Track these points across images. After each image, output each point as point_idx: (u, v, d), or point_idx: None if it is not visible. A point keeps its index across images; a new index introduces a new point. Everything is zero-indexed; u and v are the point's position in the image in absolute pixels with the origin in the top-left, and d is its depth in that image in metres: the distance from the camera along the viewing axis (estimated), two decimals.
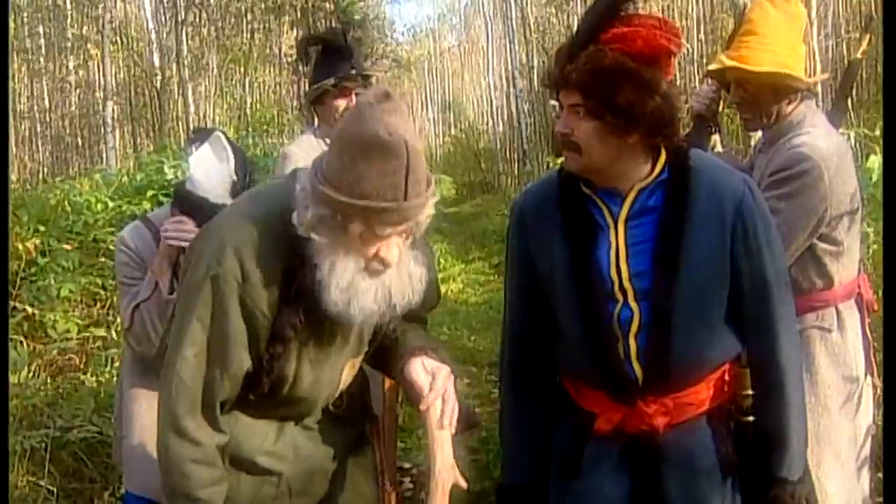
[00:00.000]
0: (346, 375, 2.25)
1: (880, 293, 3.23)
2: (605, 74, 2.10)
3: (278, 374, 2.06)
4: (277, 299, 1.99)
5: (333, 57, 3.89)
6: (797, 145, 2.75)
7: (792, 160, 2.73)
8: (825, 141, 2.76)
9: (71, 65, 19.61)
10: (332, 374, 2.19)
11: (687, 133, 3.18)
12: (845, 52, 12.44)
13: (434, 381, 2.12)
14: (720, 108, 3.10)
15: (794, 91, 2.83)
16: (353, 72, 3.87)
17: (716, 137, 3.12)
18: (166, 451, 2.01)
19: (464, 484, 2.18)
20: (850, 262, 2.86)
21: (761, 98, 2.86)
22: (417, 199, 1.89)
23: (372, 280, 1.95)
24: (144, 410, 3.02)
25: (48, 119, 19.14)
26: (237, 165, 3.00)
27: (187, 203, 2.98)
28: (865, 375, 2.88)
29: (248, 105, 18.91)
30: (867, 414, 2.90)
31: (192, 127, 14.76)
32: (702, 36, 14.95)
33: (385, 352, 2.28)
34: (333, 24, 19.88)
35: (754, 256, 2.21)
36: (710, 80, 3.16)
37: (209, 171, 2.97)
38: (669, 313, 2.18)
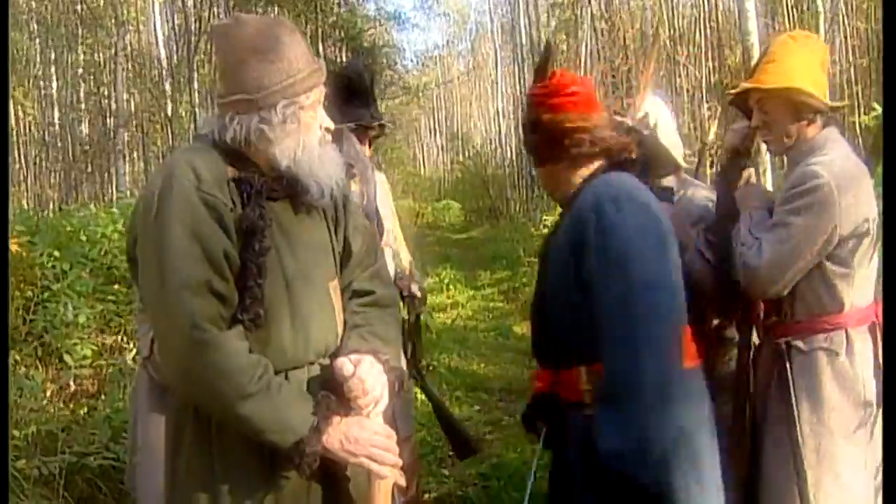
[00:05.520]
0: (337, 303, 2.30)
1: None
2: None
3: (266, 268, 2.12)
4: (233, 200, 2.12)
5: (356, 99, 3.84)
6: (811, 164, 2.82)
7: (804, 177, 2.80)
8: (841, 162, 2.81)
9: (82, 92, 19.78)
10: (320, 288, 2.25)
11: (722, 166, 3.25)
12: (853, 78, 12.52)
13: (356, 368, 2.18)
14: (755, 144, 3.17)
15: (812, 111, 2.89)
16: (374, 120, 3.85)
17: (749, 171, 3.15)
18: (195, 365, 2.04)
19: (403, 482, 2.29)
20: (862, 287, 2.88)
21: (780, 118, 2.92)
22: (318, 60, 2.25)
23: (325, 153, 2.23)
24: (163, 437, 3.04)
25: (59, 145, 19.27)
26: None
27: None
28: (881, 404, 2.85)
29: None
30: (880, 451, 2.78)
31: None
32: (710, 63, 15.04)
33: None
34: (347, 54, 20.09)
35: (595, 276, 2.38)
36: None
37: None
38: (536, 302, 2.67)
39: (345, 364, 2.18)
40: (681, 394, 2.34)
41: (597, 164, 2.64)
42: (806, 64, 2.91)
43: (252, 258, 2.09)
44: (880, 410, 2.84)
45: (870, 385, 2.85)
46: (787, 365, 2.89)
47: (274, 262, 2.15)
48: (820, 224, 2.76)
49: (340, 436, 2.14)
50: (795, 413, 2.85)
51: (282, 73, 2.14)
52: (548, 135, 2.68)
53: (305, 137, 2.18)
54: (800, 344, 2.89)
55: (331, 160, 2.23)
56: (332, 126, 2.27)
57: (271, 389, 2.07)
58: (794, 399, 2.86)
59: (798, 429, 2.84)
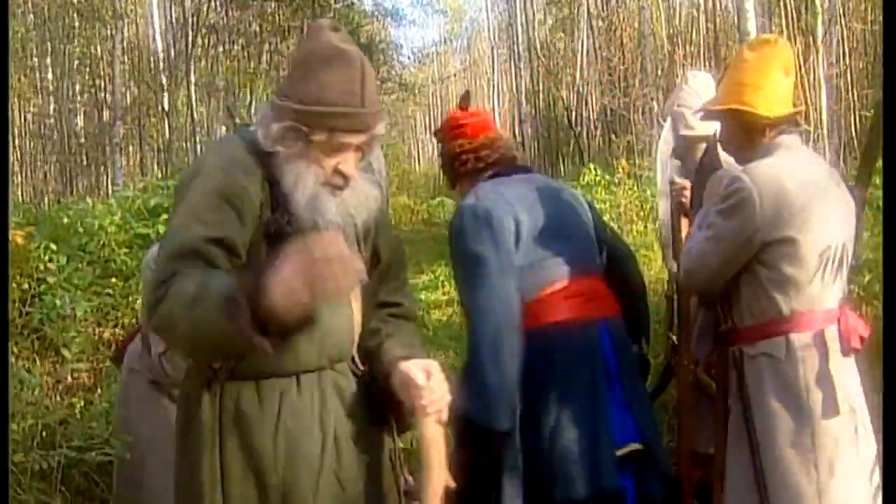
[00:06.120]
0: (356, 310, 2.26)
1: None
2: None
3: None
4: (261, 201, 2.09)
5: None
6: (741, 169, 2.91)
7: (729, 181, 2.89)
8: (774, 170, 2.86)
9: (78, 86, 19.71)
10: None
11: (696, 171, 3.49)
12: (850, 80, 12.54)
13: (430, 376, 2.13)
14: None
15: (761, 125, 2.94)
16: None
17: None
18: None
19: (453, 484, 2.20)
20: (802, 295, 2.86)
21: (733, 132, 3.02)
22: (372, 108, 2.10)
23: (333, 197, 2.11)
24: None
25: (56, 138, 19.21)
26: None
27: None
28: (832, 414, 2.84)
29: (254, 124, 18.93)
30: (832, 459, 2.84)
31: (199, 149, 14.83)
32: (705, 63, 15.06)
33: (370, 354, 2.32)
34: None
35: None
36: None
37: None
38: None
39: (416, 372, 2.13)
40: (515, 351, 2.96)
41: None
42: (756, 75, 2.96)
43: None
44: (831, 421, 2.83)
45: (814, 393, 2.83)
46: (741, 371, 2.94)
47: None
48: (737, 226, 2.83)
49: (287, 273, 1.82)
50: (751, 418, 2.90)
51: (304, 94, 2.07)
52: (445, 161, 3.41)
53: (303, 171, 2.09)
54: (748, 350, 2.93)
55: (324, 204, 2.09)
56: (351, 174, 2.13)
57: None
58: (748, 404, 2.91)
59: (754, 434, 2.89)
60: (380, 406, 2.27)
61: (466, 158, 3.31)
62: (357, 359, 2.30)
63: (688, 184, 3.47)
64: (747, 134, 2.97)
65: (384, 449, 2.32)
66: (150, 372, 3.34)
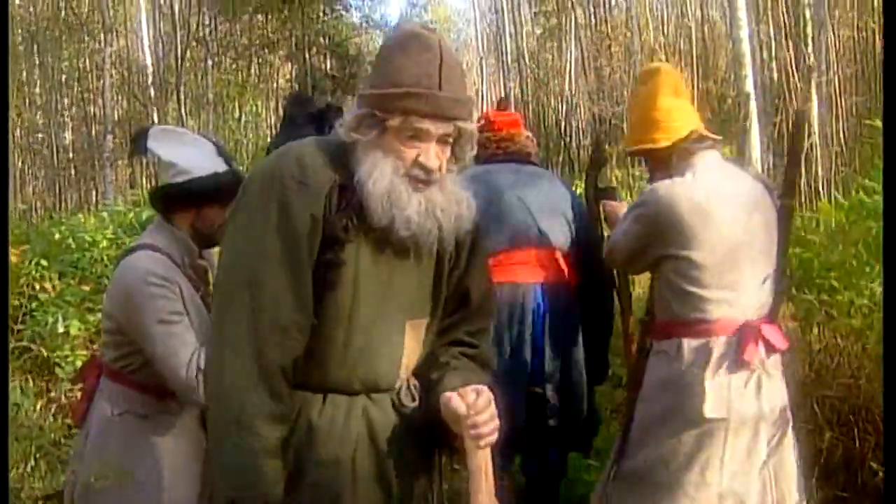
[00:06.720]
0: (409, 343, 2.13)
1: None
2: None
3: (336, 280, 1.98)
4: (330, 206, 1.97)
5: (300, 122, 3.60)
6: (653, 185, 3.15)
7: (642, 192, 3.23)
8: (676, 189, 3.02)
9: (67, 100, 19.66)
10: (392, 322, 2.09)
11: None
12: (837, 87, 12.57)
13: (477, 398, 2.01)
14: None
15: (666, 153, 3.11)
16: None
17: None
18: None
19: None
20: (697, 305, 2.99)
21: (650, 163, 3.28)
22: (451, 94, 1.96)
23: (415, 193, 1.97)
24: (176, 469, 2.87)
25: (45, 152, 19.14)
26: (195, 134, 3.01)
27: (182, 194, 2.80)
28: (698, 421, 2.95)
29: (244, 136, 18.96)
30: (691, 456, 2.95)
31: None
32: (696, 71, 15.10)
33: (431, 386, 2.17)
34: (333, 61, 19.95)
35: None
36: None
37: (181, 150, 2.86)
38: None
39: (458, 402, 2.01)
40: None
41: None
42: (647, 108, 3.15)
43: (322, 267, 1.97)
44: (701, 427, 2.94)
45: (688, 397, 2.96)
46: (646, 359, 3.16)
47: (347, 280, 2.00)
48: (638, 235, 3.11)
49: None
50: (634, 402, 3.15)
51: (380, 79, 1.99)
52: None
53: (380, 160, 1.96)
54: (654, 344, 3.15)
55: (403, 198, 1.96)
56: (432, 166, 1.98)
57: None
58: (638, 389, 3.15)
59: (632, 418, 3.13)
60: (424, 446, 2.18)
61: (486, 146, 3.87)
62: (404, 393, 2.16)
63: (617, 206, 3.72)
64: (659, 162, 3.18)
65: (415, 490, 2.19)
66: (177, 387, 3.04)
